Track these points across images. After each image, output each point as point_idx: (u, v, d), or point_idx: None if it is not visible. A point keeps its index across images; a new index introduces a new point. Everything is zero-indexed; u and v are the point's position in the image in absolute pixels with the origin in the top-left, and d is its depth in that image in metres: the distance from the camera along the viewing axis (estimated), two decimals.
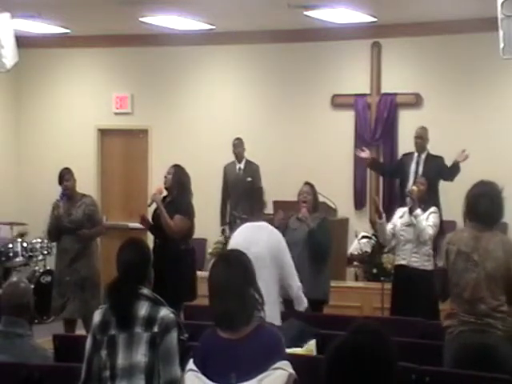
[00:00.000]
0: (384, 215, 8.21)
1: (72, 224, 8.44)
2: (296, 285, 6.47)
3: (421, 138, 9.94)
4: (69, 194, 8.53)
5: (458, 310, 5.20)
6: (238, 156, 11.12)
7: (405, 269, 8.18)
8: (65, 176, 8.58)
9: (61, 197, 8.57)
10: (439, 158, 9.82)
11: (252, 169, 11.06)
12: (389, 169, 10.69)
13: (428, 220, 8.16)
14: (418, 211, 8.14)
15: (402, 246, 8.28)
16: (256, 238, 6.36)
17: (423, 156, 9.90)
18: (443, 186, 9.82)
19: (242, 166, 11.13)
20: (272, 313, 5.76)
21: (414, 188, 8.37)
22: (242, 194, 10.94)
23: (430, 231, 8.10)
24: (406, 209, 8.28)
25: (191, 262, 8.31)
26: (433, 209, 8.27)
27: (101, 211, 8.84)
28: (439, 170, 9.73)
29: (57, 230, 8.56)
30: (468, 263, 5.15)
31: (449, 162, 9.76)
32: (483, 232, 5.17)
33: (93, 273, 8.50)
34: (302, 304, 6.53)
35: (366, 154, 10.26)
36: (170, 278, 7.74)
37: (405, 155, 10.19)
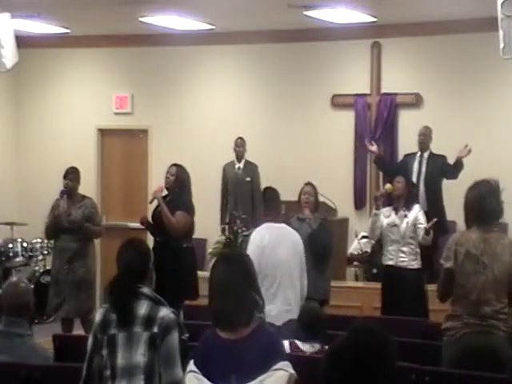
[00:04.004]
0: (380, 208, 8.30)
1: (71, 224, 8.45)
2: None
3: (425, 136, 9.95)
4: (68, 193, 8.52)
5: (462, 311, 5.17)
6: (239, 155, 11.11)
7: (393, 269, 8.23)
8: (68, 175, 8.60)
9: (60, 194, 8.57)
10: (442, 157, 9.82)
11: (251, 169, 11.07)
12: (391, 168, 10.66)
13: (420, 221, 8.14)
14: (405, 213, 8.17)
15: (388, 247, 8.33)
16: (281, 240, 6.73)
17: (426, 155, 9.90)
18: (444, 185, 9.82)
19: (241, 165, 11.13)
20: None
21: (389, 185, 8.37)
22: (243, 194, 10.98)
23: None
24: (389, 208, 8.28)
25: (192, 261, 8.29)
26: (418, 207, 8.30)
27: (100, 213, 8.81)
28: (442, 169, 9.74)
29: (54, 229, 8.56)
30: (477, 265, 5.13)
31: (450, 162, 9.76)
32: (490, 233, 5.17)
33: (89, 273, 8.52)
34: None
35: (375, 148, 10.29)
36: (172, 277, 7.71)
37: (407, 155, 10.16)
